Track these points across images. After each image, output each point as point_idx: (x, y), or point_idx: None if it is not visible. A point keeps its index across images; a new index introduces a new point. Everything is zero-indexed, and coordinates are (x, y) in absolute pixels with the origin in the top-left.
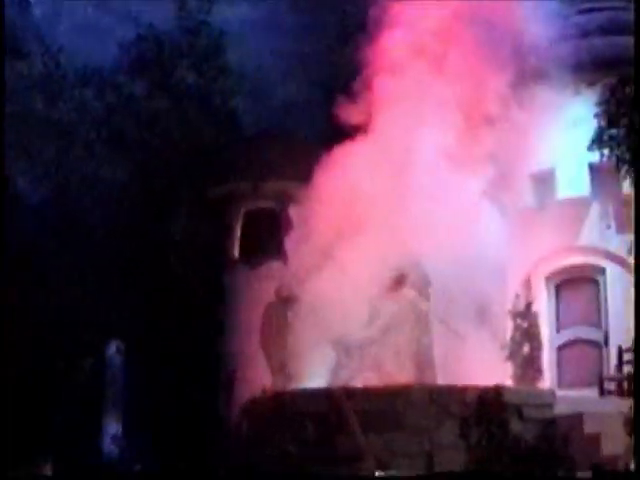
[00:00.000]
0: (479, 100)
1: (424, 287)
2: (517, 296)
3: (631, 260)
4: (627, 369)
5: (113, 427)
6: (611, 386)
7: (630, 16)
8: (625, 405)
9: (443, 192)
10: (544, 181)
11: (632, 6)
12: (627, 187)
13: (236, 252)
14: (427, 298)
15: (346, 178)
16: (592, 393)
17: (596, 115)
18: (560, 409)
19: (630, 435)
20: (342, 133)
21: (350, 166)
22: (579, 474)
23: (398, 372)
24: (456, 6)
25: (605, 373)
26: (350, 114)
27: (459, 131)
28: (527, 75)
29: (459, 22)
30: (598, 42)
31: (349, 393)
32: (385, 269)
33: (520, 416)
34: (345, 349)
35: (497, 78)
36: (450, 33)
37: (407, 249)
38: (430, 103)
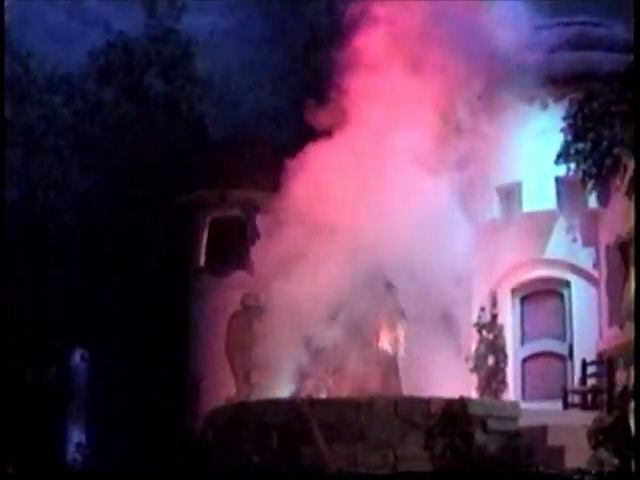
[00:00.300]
0: (450, 106)
1: (393, 296)
2: (482, 308)
3: (596, 273)
4: (591, 382)
5: (77, 435)
6: (575, 399)
7: (600, 32)
8: (589, 418)
9: (413, 197)
10: (510, 194)
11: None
12: (593, 201)
13: (202, 260)
14: (398, 312)
15: (315, 185)
16: (556, 406)
17: (562, 129)
18: (524, 421)
19: (594, 448)
20: (311, 141)
21: (319, 173)
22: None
23: (363, 382)
24: (429, 8)
25: (569, 386)
26: (320, 119)
27: (430, 137)
28: (496, 86)
29: (432, 25)
30: (567, 57)
31: (313, 403)
32: (352, 275)
33: (484, 428)
34: (310, 358)
35: (468, 85)
36: (423, 36)
37: (375, 255)
38: (402, 107)
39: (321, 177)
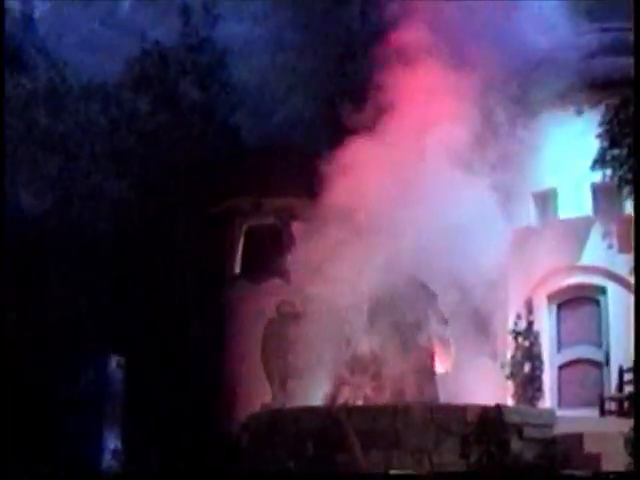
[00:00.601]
0: (488, 106)
1: (435, 303)
2: (518, 315)
3: (632, 280)
4: (628, 389)
5: (113, 442)
6: (612, 406)
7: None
8: (626, 425)
9: (452, 201)
10: (546, 200)
11: (632, 25)
12: (629, 207)
13: (238, 268)
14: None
15: (352, 189)
16: (593, 413)
17: (599, 135)
18: (560, 429)
19: (631, 456)
20: (347, 145)
21: (356, 177)
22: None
23: (400, 388)
24: (468, 5)
25: (606, 393)
26: (358, 120)
27: (470, 136)
28: (532, 90)
29: (471, 22)
30: (604, 62)
31: (350, 410)
32: (390, 280)
33: (520, 435)
34: (347, 365)
35: (505, 87)
36: (461, 33)
37: (413, 259)
38: (441, 104)
39: (358, 181)
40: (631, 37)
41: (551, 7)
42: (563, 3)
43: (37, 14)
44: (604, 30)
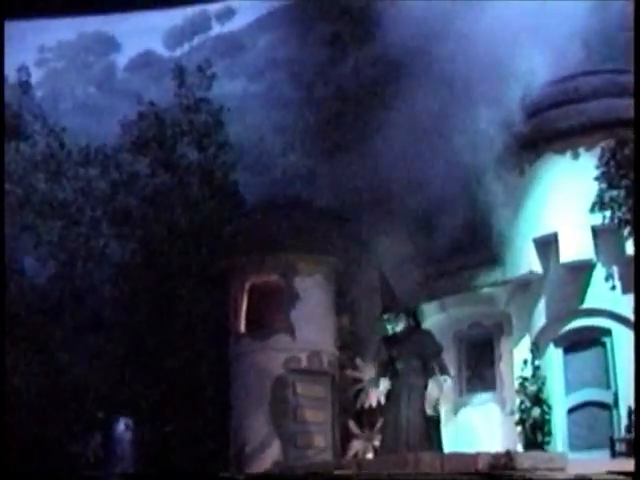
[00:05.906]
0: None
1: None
2: (525, 361)
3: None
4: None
5: None
6: (622, 447)
7: (626, 79)
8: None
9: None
10: (547, 245)
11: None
12: (630, 248)
13: (242, 326)
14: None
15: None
16: (603, 455)
17: (596, 178)
18: (572, 472)
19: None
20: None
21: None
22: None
23: (408, 441)
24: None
25: (616, 434)
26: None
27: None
28: (527, 138)
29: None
30: (595, 105)
31: (360, 464)
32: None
33: None
34: (356, 418)
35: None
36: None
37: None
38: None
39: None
40: (622, 78)
41: (542, 51)
42: (554, 48)
43: (34, 80)
44: (593, 73)
